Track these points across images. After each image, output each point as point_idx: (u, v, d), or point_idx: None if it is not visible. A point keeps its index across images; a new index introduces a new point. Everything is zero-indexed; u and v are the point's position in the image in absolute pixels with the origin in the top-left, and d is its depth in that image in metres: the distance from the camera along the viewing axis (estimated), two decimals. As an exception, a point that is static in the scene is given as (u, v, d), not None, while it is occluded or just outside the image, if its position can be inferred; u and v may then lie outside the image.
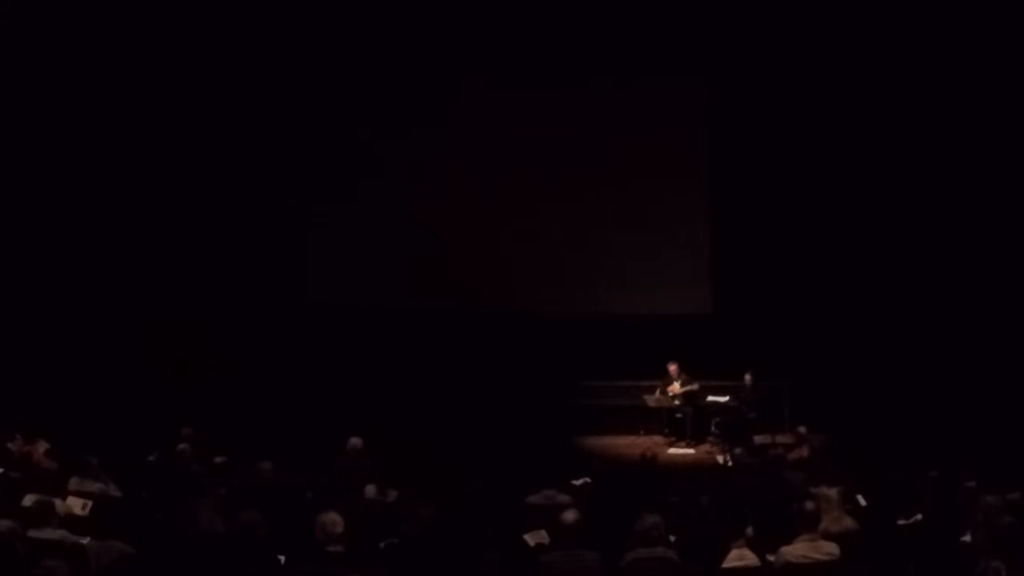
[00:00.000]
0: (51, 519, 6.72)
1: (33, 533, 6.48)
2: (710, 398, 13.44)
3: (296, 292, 14.95)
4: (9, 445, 9.66)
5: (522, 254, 14.93)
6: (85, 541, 6.54)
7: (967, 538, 7.25)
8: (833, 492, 7.87)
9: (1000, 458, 9.52)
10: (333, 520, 6.63)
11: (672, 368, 13.53)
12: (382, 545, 6.99)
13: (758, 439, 12.70)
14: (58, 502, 7.28)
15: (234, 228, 14.55)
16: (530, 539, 7.32)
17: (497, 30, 14.33)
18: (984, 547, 6.51)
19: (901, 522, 7.92)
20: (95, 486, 8.34)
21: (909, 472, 9.00)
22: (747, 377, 13.27)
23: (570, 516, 6.45)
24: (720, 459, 12.25)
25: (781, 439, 12.29)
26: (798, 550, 6.58)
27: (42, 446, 9.90)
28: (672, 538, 6.89)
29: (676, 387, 13.47)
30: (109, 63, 14.09)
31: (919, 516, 7.94)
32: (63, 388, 12.55)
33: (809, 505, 6.93)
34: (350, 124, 15.08)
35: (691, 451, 13.22)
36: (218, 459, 9.34)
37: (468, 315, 14.61)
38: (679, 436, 13.48)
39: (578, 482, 9.42)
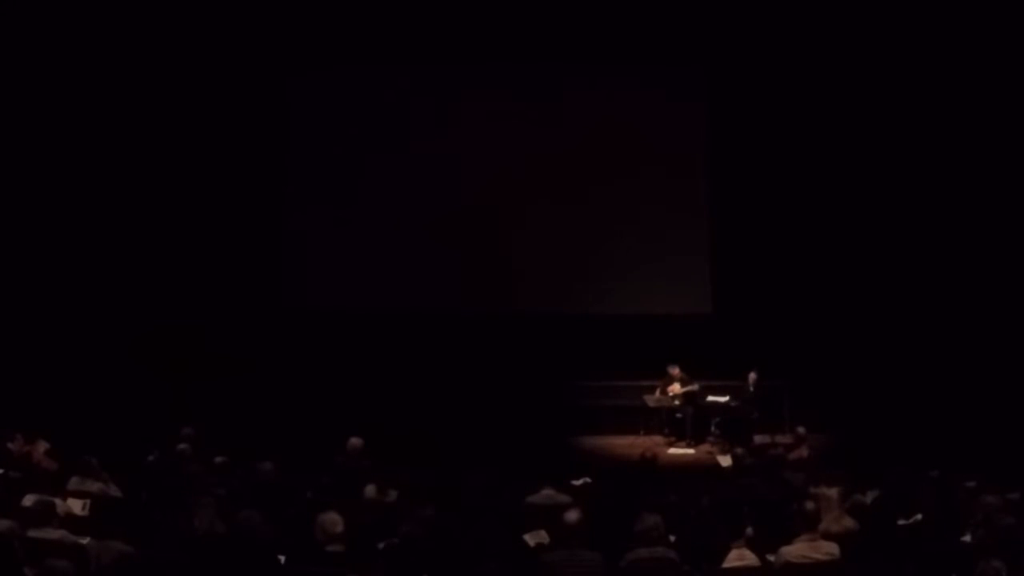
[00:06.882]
0: (51, 519, 6.71)
1: (33, 533, 6.48)
2: (710, 398, 13.45)
3: (296, 293, 14.95)
4: (9, 445, 9.64)
5: (522, 254, 14.95)
6: (85, 541, 6.54)
7: (967, 538, 7.25)
8: (833, 492, 7.88)
9: (1000, 458, 9.53)
10: (333, 520, 6.64)
11: (674, 370, 13.52)
12: (382, 545, 6.98)
13: (758, 439, 12.72)
14: (58, 502, 7.27)
15: (234, 229, 14.56)
16: (530, 539, 7.33)
17: (496, 30, 14.33)
18: (984, 547, 6.51)
19: (901, 522, 7.92)
20: (95, 486, 8.33)
21: (909, 472, 9.00)
22: (751, 376, 13.26)
23: (572, 516, 6.43)
24: (720, 459, 12.24)
25: (781, 439, 12.29)
26: (798, 550, 6.59)
27: (42, 446, 9.88)
28: (672, 538, 6.89)
29: (676, 387, 13.46)
30: (109, 66, 14.11)
31: (919, 516, 7.94)
32: (63, 388, 12.55)
33: (809, 505, 6.93)
34: (349, 125, 15.08)
35: (691, 451, 13.22)
36: (218, 459, 9.31)
37: (468, 315, 14.62)
38: (679, 436, 13.48)
39: (578, 482, 9.44)
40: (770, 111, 14.44)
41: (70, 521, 7.10)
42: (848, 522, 7.44)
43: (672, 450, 13.15)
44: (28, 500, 7.34)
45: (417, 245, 14.91)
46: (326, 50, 14.79)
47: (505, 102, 15.01)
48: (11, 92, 13.72)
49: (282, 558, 6.60)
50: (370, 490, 8.55)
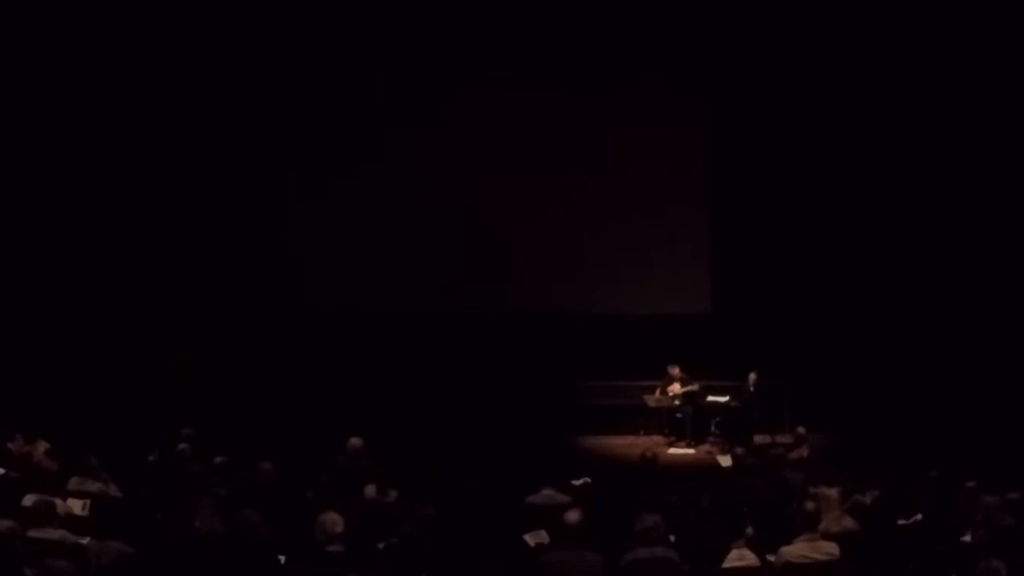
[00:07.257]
0: (51, 519, 6.71)
1: (33, 533, 6.48)
2: (710, 398, 13.46)
3: (296, 293, 14.95)
4: (9, 445, 9.64)
5: (522, 254, 14.94)
6: (85, 541, 6.54)
7: (967, 538, 7.25)
8: (833, 492, 7.88)
9: (1000, 458, 9.53)
10: (333, 520, 6.64)
11: (674, 370, 13.52)
12: (382, 545, 6.98)
13: (758, 439, 12.72)
14: (58, 502, 7.27)
15: (234, 229, 14.56)
16: (530, 539, 7.33)
17: (496, 30, 14.33)
18: (984, 547, 6.52)
19: (901, 522, 7.92)
20: (95, 486, 8.33)
21: (909, 472, 9.00)
22: (751, 376, 13.26)
23: (574, 516, 6.42)
24: (720, 459, 12.24)
25: (781, 439, 12.29)
26: (798, 550, 6.58)
27: (42, 446, 9.88)
28: (672, 538, 6.89)
29: (676, 387, 13.46)
30: (109, 63, 14.11)
31: (919, 516, 7.94)
32: (63, 388, 12.55)
33: (809, 505, 6.93)
34: (350, 124, 15.07)
35: (691, 451, 13.22)
36: (218, 459, 9.31)
37: (468, 316, 14.62)
38: (679, 436, 13.48)
39: (578, 482, 9.43)
40: (770, 110, 14.44)
41: (70, 521, 7.09)
42: (848, 522, 7.44)
43: (672, 450, 13.15)
44: (28, 500, 7.33)
45: (417, 245, 14.90)
46: (326, 50, 14.79)
47: (505, 102, 15.00)
48: (11, 90, 13.71)
49: (282, 558, 6.60)
50: (370, 490, 8.55)
